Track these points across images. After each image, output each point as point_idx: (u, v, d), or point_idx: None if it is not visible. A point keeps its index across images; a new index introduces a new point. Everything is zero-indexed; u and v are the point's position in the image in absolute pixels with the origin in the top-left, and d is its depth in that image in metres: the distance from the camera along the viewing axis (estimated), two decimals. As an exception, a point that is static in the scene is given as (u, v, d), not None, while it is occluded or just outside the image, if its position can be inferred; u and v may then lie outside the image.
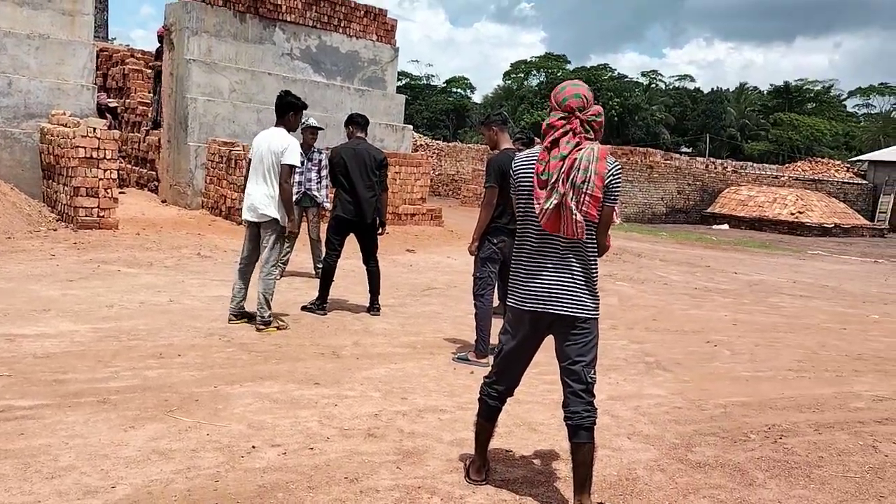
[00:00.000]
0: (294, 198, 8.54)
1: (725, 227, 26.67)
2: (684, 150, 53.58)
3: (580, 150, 3.13)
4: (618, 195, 3.22)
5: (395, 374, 5.29)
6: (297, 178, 8.54)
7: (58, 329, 5.69)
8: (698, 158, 31.05)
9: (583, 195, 3.09)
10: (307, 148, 8.61)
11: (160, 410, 4.14)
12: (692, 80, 70.92)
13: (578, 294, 3.20)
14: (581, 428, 3.23)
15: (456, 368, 5.58)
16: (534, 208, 3.18)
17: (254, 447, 3.75)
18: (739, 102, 64.68)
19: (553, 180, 3.12)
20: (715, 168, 29.85)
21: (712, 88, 68.44)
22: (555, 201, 3.10)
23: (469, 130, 57.98)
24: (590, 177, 3.09)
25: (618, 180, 3.18)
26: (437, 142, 34.93)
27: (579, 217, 3.10)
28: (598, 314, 3.27)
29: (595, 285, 3.26)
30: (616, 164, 3.19)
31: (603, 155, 3.13)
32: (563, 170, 3.11)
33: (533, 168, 3.22)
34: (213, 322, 6.32)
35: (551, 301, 3.20)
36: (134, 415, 4.04)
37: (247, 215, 6.29)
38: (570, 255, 3.20)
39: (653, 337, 7.26)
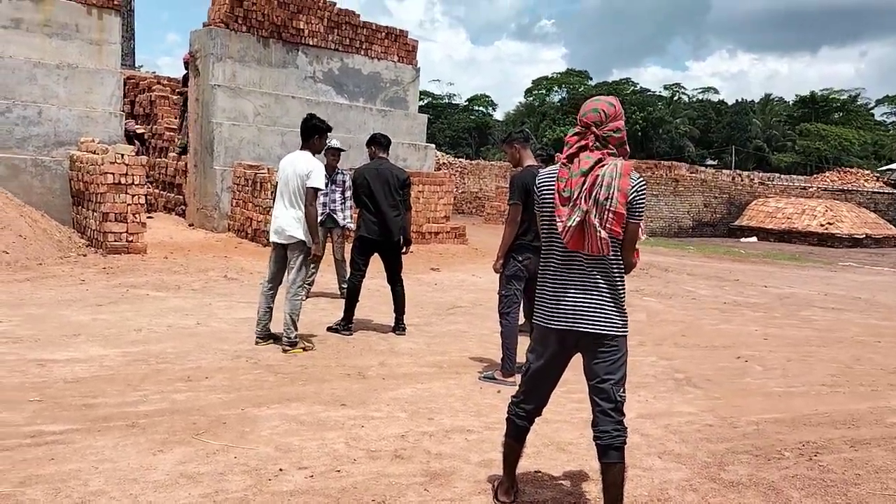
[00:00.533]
0: (318, 219, 8.61)
1: (754, 239, 26.34)
2: (710, 162, 53.22)
3: (603, 165, 3.10)
4: (642, 211, 3.18)
5: (421, 394, 5.26)
6: (321, 199, 8.60)
7: (87, 354, 5.76)
8: (724, 171, 30.81)
9: (606, 212, 3.06)
10: (330, 169, 8.67)
11: (188, 434, 4.16)
12: (716, 92, 70.48)
13: (605, 311, 3.16)
14: (611, 447, 3.18)
15: (482, 388, 5.54)
16: (557, 226, 3.16)
17: (281, 470, 3.75)
18: (765, 114, 64.14)
19: (574, 197, 3.10)
20: (742, 180, 29.56)
21: (737, 100, 68.05)
22: (577, 218, 3.08)
23: (491, 148, 58.12)
24: (613, 193, 3.06)
25: (642, 197, 3.15)
26: (460, 160, 35.04)
27: (603, 234, 3.07)
28: (626, 331, 3.23)
29: (622, 302, 3.22)
30: (640, 179, 3.16)
31: (626, 171, 3.10)
32: (584, 186, 3.09)
33: (554, 185, 3.21)
34: (240, 344, 6.35)
35: (578, 318, 3.17)
36: (162, 438, 4.06)
37: (274, 238, 6.35)
38: (596, 272, 3.17)
39: (682, 353, 7.16)
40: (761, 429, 4.95)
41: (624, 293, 3.24)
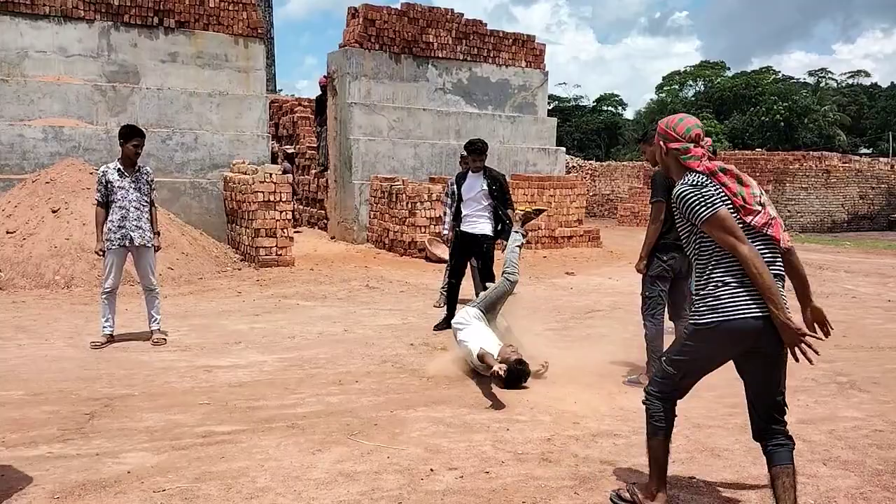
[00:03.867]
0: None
1: (919, 232, 24.17)
2: (864, 151, 49.35)
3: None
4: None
5: (564, 398, 5.22)
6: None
7: (248, 360, 6.16)
8: (881, 159, 28.44)
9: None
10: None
11: (343, 434, 4.36)
12: (867, 75, 65.22)
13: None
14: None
15: (627, 392, 5.42)
16: (753, 225, 3.08)
17: (432, 470, 3.85)
18: (926, 95, 58.69)
19: (755, 192, 3.11)
20: (902, 168, 27.19)
21: (892, 82, 62.72)
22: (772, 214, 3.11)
23: (622, 148, 56.69)
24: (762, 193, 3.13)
25: None
26: (590, 162, 34.49)
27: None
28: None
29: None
30: None
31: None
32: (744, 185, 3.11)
33: (721, 192, 3.10)
34: (385, 350, 6.58)
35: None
36: (320, 438, 4.28)
37: None
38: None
39: (844, 355, 6.69)
40: (941, 436, 4.54)
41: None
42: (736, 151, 32.96)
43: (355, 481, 3.69)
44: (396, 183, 13.44)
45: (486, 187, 7.26)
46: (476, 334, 5.60)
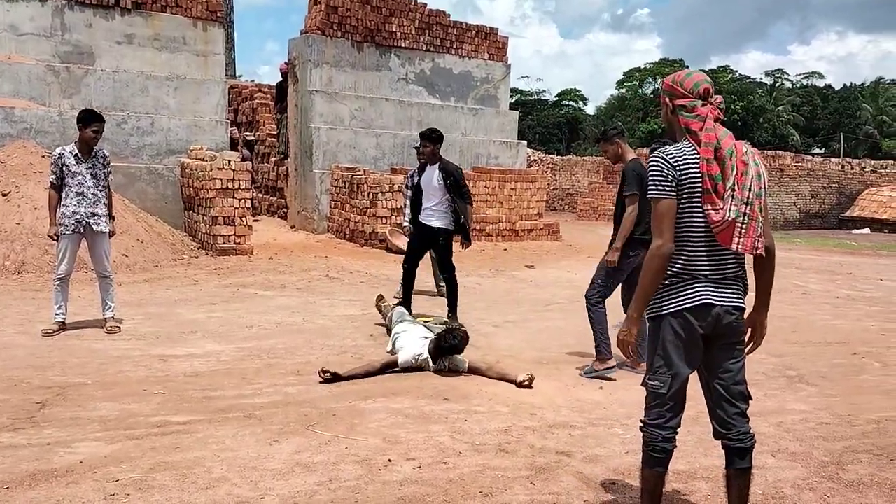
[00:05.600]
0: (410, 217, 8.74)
1: (866, 231, 24.92)
2: (816, 150, 50.65)
3: (745, 150, 2.89)
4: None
5: (522, 389, 5.28)
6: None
7: (205, 349, 6.08)
8: (832, 159, 29.24)
9: (762, 206, 2.86)
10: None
11: (301, 425, 4.34)
12: (821, 76, 66.74)
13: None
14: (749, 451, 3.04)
15: (584, 384, 5.51)
16: (707, 215, 2.84)
17: (390, 461, 3.86)
18: (875, 98, 60.34)
19: (731, 184, 2.81)
20: (852, 168, 28.02)
21: (844, 84, 64.39)
22: (739, 211, 2.81)
23: (583, 143, 57.20)
24: (764, 184, 2.87)
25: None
26: (551, 156, 34.73)
27: (761, 230, 2.86)
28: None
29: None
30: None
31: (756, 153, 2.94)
32: (737, 171, 2.81)
33: (697, 167, 2.84)
34: (345, 340, 6.56)
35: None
36: (278, 429, 4.26)
37: None
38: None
39: (793, 349, 6.89)
40: (882, 427, 4.71)
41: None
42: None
43: (313, 472, 3.68)
44: (358, 173, 13.36)
45: (441, 181, 7.19)
46: (409, 340, 5.81)
